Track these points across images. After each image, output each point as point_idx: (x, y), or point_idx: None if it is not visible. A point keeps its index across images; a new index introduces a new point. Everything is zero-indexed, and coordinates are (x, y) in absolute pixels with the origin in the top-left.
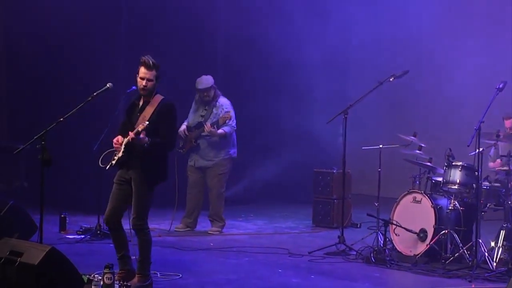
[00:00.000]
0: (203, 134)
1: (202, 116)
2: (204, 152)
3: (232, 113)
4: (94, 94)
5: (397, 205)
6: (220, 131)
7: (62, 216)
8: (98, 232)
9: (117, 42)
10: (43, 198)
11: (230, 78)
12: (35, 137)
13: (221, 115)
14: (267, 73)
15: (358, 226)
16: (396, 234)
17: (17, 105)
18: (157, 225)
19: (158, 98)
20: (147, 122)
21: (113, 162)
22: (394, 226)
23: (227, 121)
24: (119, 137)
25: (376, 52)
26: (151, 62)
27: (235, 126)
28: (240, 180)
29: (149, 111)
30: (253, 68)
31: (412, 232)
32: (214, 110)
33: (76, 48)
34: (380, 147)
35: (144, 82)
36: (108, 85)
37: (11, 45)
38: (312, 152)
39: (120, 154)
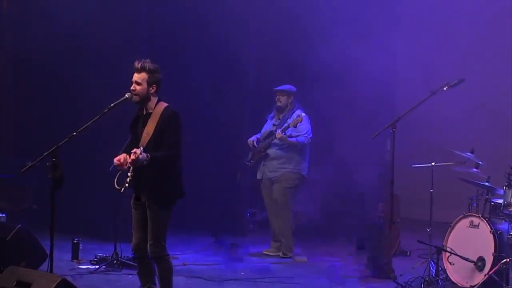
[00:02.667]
0: (273, 142)
1: (275, 125)
2: (271, 163)
3: (307, 126)
4: (111, 105)
5: (451, 230)
6: (292, 139)
7: (75, 242)
8: (115, 261)
9: (134, 49)
10: (53, 222)
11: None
12: (45, 153)
13: (288, 123)
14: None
15: (408, 254)
16: (450, 263)
17: (24, 118)
18: None
19: (161, 106)
20: (141, 148)
21: (127, 184)
22: (448, 254)
23: (301, 131)
24: (121, 156)
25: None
26: (139, 65)
27: (310, 138)
28: None
29: (151, 124)
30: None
31: (469, 261)
32: (289, 120)
33: (91, 57)
34: (432, 165)
35: (132, 86)
36: (126, 95)
37: (18, 53)
38: (355, 173)
39: (129, 177)
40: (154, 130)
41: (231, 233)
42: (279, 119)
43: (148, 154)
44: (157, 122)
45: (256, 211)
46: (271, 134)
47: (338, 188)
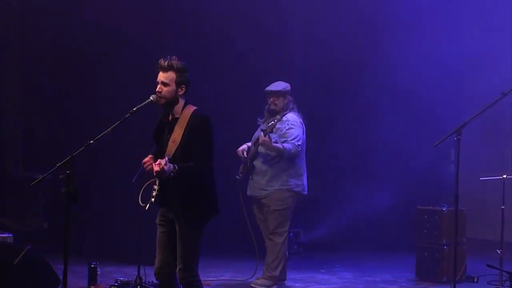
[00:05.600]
0: (259, 151)
1: (263, 130)
2: (257, 178)
3: (297, 131)
4: (134, 109)
5: None
6: (277, 144)
7: (92, 266)
8: (139, 286)
9: (159, 47)
10: (67, 242)
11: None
12: (57, 165)
13: (283, 131)
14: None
15: (475, 280)
16: None
17: (33, 125)
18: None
19: (189, 110)
20: (167, 158)
21: (152, 199)
22: None
23: (289, 137)
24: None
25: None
26: (166, 63)
27: (299, 146)
28: (321, 221)
29: (178, 131)
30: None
31: None
32: (279, 125)
33: (109, 55)
34: (503, 178)
35: (158, 87)
36: (151, 97)
37: (26, 52)
38: (414, 184)
39: (155, 190)
40: (182, 137)
41: None
42: (269, 123)
43: (176, 165)
44: (185, 128)
45: (300, 230)
46: (257, 141)
47: (396, 201)
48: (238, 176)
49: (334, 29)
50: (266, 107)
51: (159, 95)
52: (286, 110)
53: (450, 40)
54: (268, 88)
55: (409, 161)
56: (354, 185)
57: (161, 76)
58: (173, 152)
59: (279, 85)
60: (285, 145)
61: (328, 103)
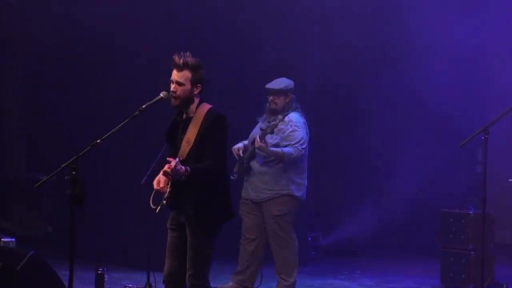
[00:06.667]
0: (257, 153)
1: (263, 130)
2: (254, 181)
3: (301, 133)
4: (143, 106)
5: None
6: (275, 149)
7: (99, 272)
8: None
9: (168, 43)
10: (73, 247)
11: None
12: (62, 165)
13: (286, 133)
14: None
15: (504, 287)
16: None
17: (37, 125)
18: None
19: (204, 109)
20: (178, 159)
21: (164, 202)
22: None
23: (292, 140)
24: (161, 178)
25: None
26: (181, 61)
27: (303, 150)
28: (340, 225)
29: (192, 130)
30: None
31: None
32: (281, 125)
33: (116, 51)
34: None
35: (172, 86)
36: (162, 94)
37: (29, 48)
38: (438, 186)
39: (166, 194)
40: (196, 137)
41: None
42: (269, 122)
43: (188, 168)
44: (199, 128)
45: (319, 234)
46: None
47: (416, 202)
48: (233, 176)
49: (352, 26)
50: (267, 105)
51: (173, 95)
52: (289, 110)
53: (474, 33)
54: (269, 86)
55: (432, 162)
56: (376, 186)
57: (176, 75)
58: (186, 152)
59: (281, 83)
60: (285, 149)
61: (349, 100)
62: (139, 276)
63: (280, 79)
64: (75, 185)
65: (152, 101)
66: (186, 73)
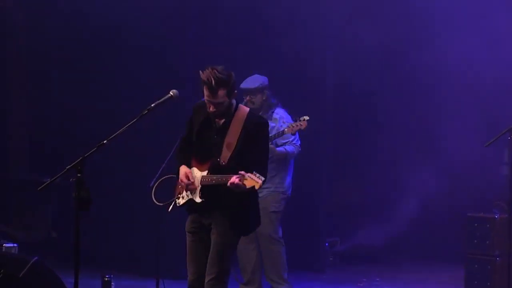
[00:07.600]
0: None
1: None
2: None
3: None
4: (152, 105)
5: None
6: (280, 148)
7: (106, 279)
8: None
9: (177, 41)
10: (78, 253)
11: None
12: (67, 167)
13: (283, 128)
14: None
15: None
16: None
17: (41, 124)
18: None
19: (243, 113)
20: (258, 175)
21: (180, 201)
22: None
23: (288, 138)
24: (187, 171)
25: None
26: (213, 82)
27: (300, 147)
28: (359, 230)
29: (233, 135)
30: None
31: None
32: (271, 123)
33: (123, 49)
34: None
35: (211, 108)
36: (171, 92)
37: (33, 47)
38: (462, 189)
39: (198, 199)
40: (237, 143)
41: (306, 268)
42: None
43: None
44: (240, 133)
45: (337, 240)
46: None
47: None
48: None
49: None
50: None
51: (214, 113)
52: (272, 107)
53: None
54: (243, 85)
55: (456, 163)
56: (396, 191)
57: (211, 97)
58: (228, 157)
59: (256, 81)
60: (288, 148)
61: (375, 101)
62: (147, 284)
63: (253, 76)
64: (81, 187)
65: (161, 100)
66: (221, 92)
